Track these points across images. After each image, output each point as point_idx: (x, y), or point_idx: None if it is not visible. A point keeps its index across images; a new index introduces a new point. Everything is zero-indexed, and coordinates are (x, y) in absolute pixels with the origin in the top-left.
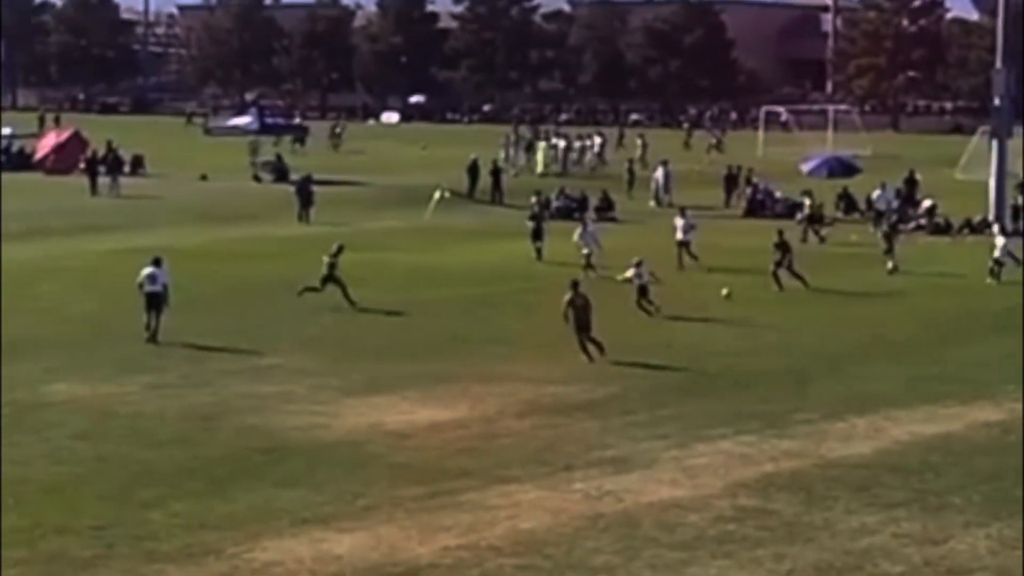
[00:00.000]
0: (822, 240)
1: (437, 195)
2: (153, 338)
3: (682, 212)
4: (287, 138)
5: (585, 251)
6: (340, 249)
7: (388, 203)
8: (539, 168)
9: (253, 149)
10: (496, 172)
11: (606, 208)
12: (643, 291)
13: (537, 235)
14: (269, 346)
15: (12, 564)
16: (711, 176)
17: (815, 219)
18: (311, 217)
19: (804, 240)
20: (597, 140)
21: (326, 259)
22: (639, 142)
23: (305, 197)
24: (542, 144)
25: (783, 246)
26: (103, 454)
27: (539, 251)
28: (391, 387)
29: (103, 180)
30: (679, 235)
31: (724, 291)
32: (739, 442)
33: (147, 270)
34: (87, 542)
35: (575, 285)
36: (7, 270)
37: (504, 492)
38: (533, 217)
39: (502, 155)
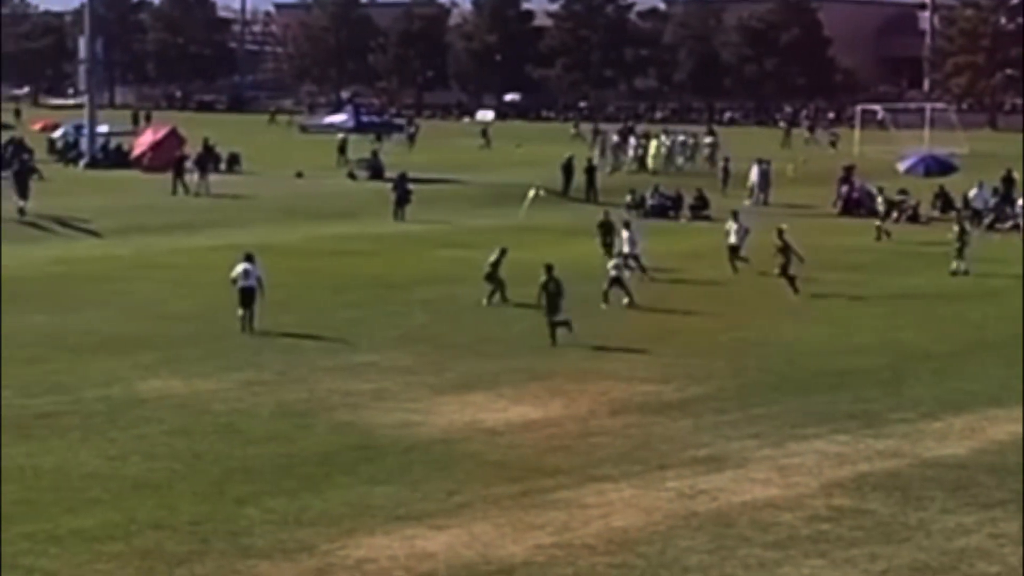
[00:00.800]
0: (887, 236)
1: (531, 193)
2: (249, 329)
3: (734, 216)
4: (396, 136)
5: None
6: (503, 252)
7: (483, 201)
8: (651, 165)
9: (342, 147)
10: (590, 170)
11: (701, 207)
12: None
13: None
14: (363, 343)
15: (107, 559)
16: (809, 174)
17: (887, 216)
18: (406, 215)
19: (879, 239)
20: (707, 139)
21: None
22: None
23: (401, 195)
24: (655, 142)
25: (785, 249)
26: (198, 450)
27: (608, 248)
28: (485, 384)
29: (191, 178)
30: (732, 239)
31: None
32: (834, 441)
33: (240, 266)
34: (182, 538)
35: (549, 269)
36: (104, 266)
37: (598, 490)
38: (602, 224)
39: (596, 153)
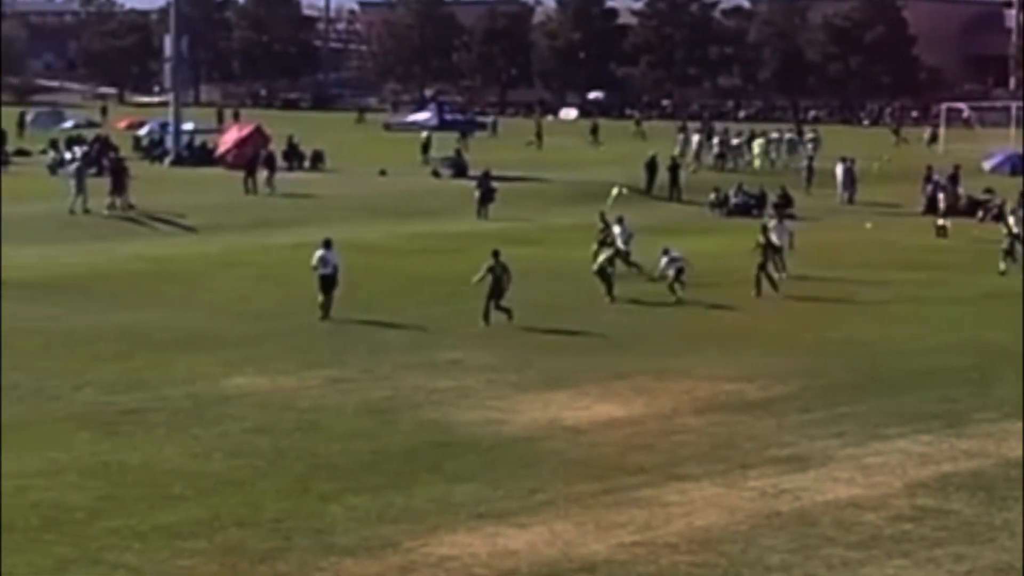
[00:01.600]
0: (942, 234)
1: (615, 191)
2: (326, 315)
3: (779, 217)
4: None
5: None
6: (616, 252)
7: (566, 199)
8: (756, 163)
9: (426, 146)
10: (674, 168)
11: (785, 205)
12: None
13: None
14: (447, 341)
15: (191, 555)
16: (894, 172)
17: (947, 213)
18: (489, 213)
19: (941, 236)
20: (809, 135)
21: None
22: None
23: (485, 192)
24: (759, 141)
25: (769, 246)
26: (281, 447)
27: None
28: (568, 382)
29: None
30: (775, 241)
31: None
32: (917, 441)
33: (319, 252)
34: (265, 535)
35: (496, 254)
36: (188, 263)
37: (680, 489)
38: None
39: (678, 151)
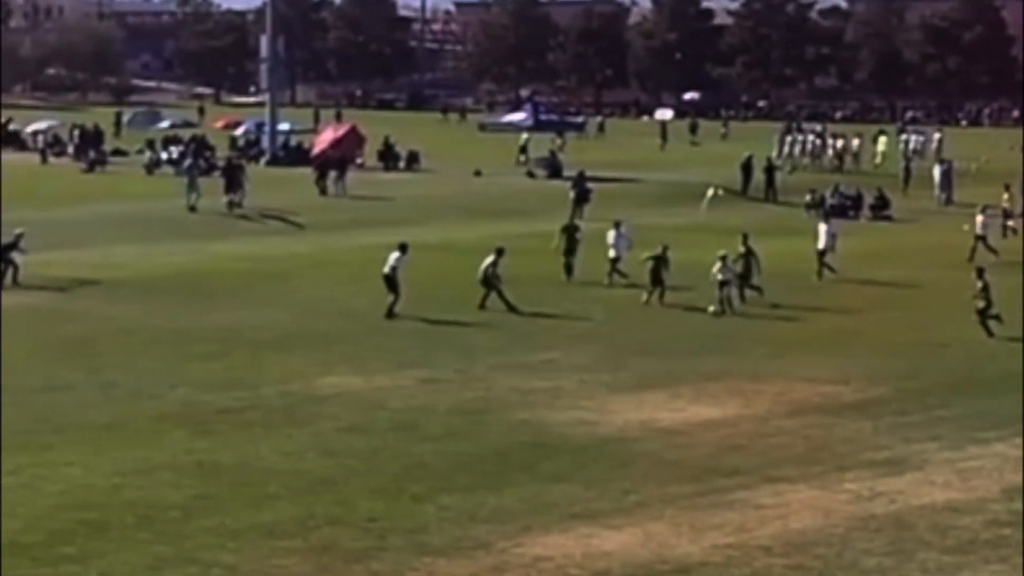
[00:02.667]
0: (1013, 234)
1: (710, 192)
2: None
3: (826, 217)
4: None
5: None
6: (665, 249)
7: (661, 200)
8: (878, 160)
9: (524, 147)
10: (770, 169)
11: (881, 206)
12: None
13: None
14: (540, 341)
15: (285, 554)
16: (993, 173)
17: (1007, 214)
18: (584, 213)
19: (1004, 236)
20: (936, 135)
21: (648, 258)
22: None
23: (580, 193)
24: (883, 139)
25: (748, 254)
26: (375, 447)
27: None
28: (662, 384)
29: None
30: (820, 243)
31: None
32: (1014, 445)
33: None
34: (359, 534)
35: (500, 252)
36: (283, 263)
37: (774, 491)
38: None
39: (775, 152)
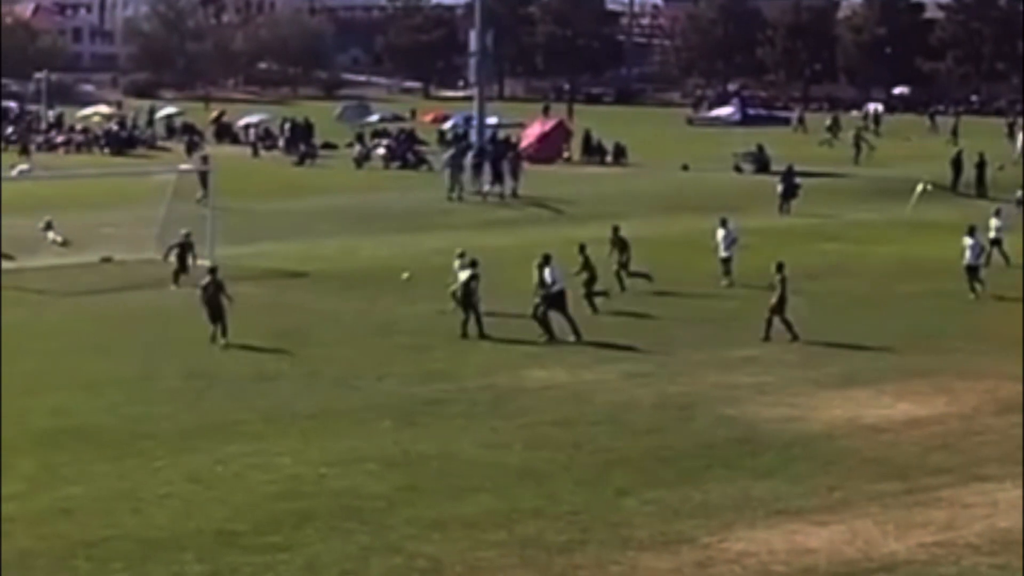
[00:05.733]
0: None
1: (919, 188)
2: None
3: (970, 231)
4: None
5: None
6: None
7: (870, 195)
8: None
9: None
10: (981, 165)
11: None
12: None
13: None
14: (745, 337)
15: (489, 546)
16: None
17: None
18: (792, 208)
19: None
20: None
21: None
22: None
23: (788, 188)
24: None
25: (620, 242)
26: (579, 440)
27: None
28: (868, 380)
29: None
30: (967, 258)
31: None
32: None
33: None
34: (563, 527)
35: (474, 264)
36: (485, 255)
37: (981, 490)
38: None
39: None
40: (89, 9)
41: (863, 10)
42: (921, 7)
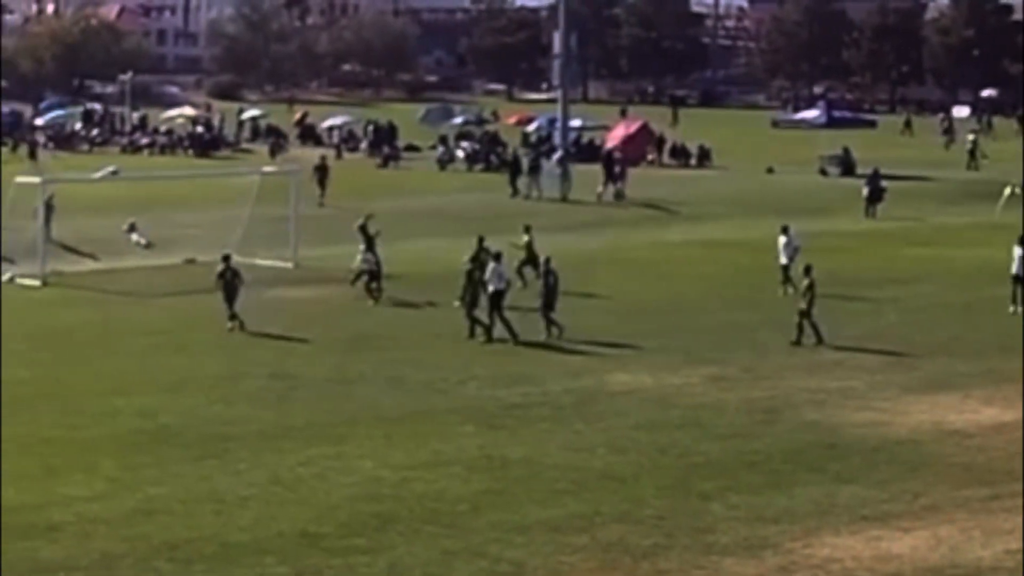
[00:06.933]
0: None
1: (1007, 191)
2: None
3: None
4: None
5: None
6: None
7: (957, 198)
8: None
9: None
10: None
11: None
12: None
13: None
14: (830, 341)
15: (572, 551)
16: None
17: None
18: (878, 212)
19: None
20: None
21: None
22: None
23: (873, 191)
24: None
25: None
26: (663, 444)
27: None
28: (954, 385)
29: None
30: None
31: None
32: None
33: (491, 265)
34: (647, 531)
35: (547, 262)
36: (574, 259)
37: None
38: None
39: None
40: (173, 11)
41: (951, 11)
42: (1009, 9)
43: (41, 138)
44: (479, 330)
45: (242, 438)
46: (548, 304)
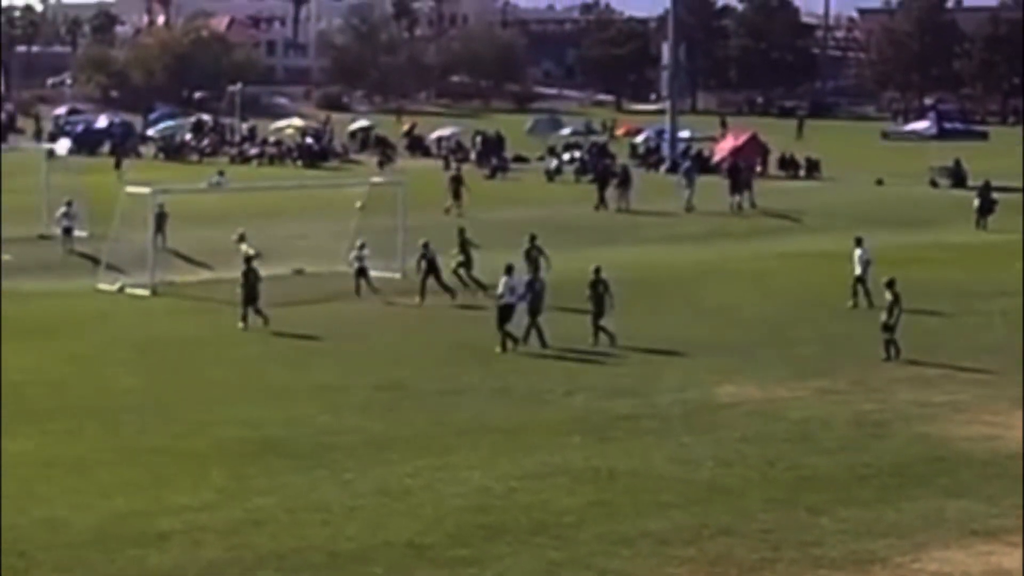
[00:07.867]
0: None
1: None
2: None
3: None
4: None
5: None
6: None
7: None
8: None
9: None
10: None
11: None
12: None
13: None
14: (941, 354)
15: (678, 563)
16: None
17: None
18: (988, 224)
19: None
20: None
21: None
22: None
23: (984, 203)
24: None
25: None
26: (771, 457)
27: None
28: None
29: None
30: None
31: None
32: None
33: (503, 278)
34: (753, 545)
35: (597, 271)
36: (682, 269)
37: None
38: None
39: None
40: (283, 22)
41: None
42: None
43: (152, 148)
44: (541, 337)
45: (349, 448)
46: (598, 313)
